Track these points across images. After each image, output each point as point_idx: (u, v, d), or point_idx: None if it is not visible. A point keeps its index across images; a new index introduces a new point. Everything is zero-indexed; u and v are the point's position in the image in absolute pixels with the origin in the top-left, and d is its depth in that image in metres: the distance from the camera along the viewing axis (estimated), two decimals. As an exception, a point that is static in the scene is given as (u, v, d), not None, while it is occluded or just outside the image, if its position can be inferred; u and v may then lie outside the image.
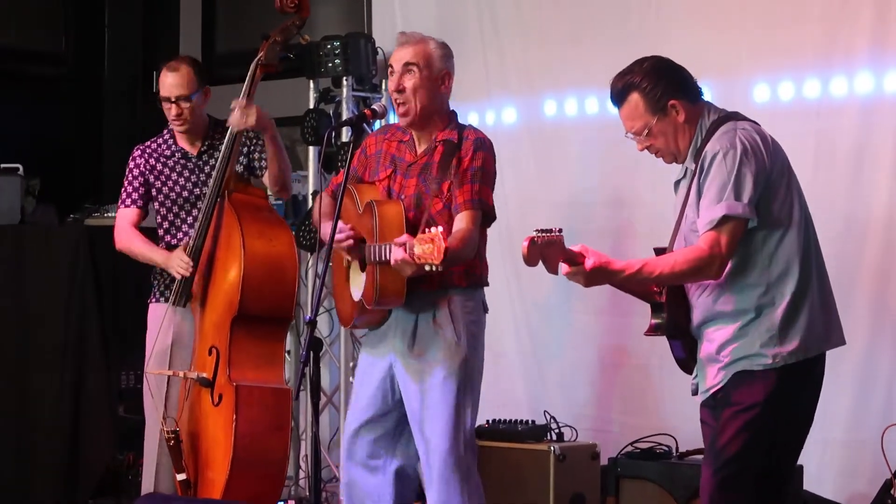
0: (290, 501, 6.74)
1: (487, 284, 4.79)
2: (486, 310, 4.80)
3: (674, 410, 5.90)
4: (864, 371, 5.59)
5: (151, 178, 5.52)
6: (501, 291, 6.48)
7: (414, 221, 4.52)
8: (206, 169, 5.48)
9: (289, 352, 6.63)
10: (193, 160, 5.51)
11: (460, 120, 4.78)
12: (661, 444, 5.73)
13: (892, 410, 5.50)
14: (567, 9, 6.57)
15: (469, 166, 4.63)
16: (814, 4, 5.81)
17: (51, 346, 6.83)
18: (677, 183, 4.11)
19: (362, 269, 4.65)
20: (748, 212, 3.85)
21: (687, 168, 4.04)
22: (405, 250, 4.29)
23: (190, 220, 5.47)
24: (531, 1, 6.72)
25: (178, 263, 5.28)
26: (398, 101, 4.68)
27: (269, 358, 5.13)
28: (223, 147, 5.27)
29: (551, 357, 6.56)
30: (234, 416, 4.98)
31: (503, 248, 6.38)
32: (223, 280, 5.15)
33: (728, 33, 6.01)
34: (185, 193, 5.49)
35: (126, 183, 5.55)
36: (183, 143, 5.53)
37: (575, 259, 3.82)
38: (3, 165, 7.09)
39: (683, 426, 5.52)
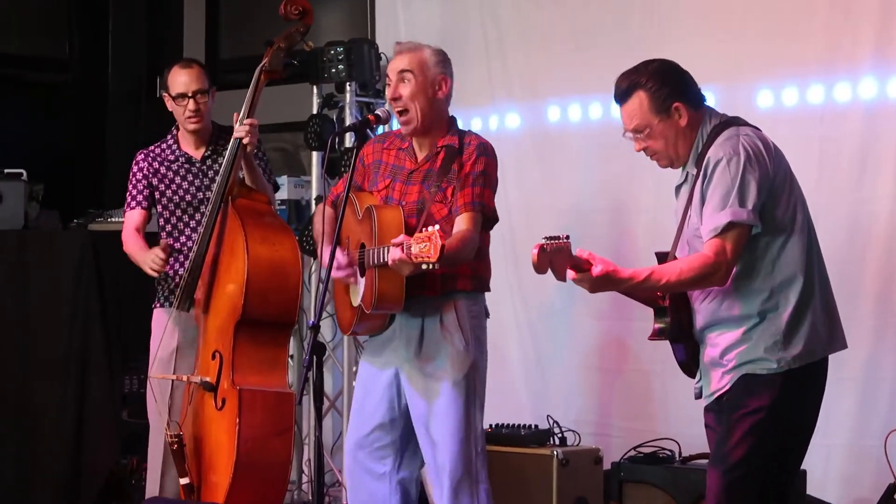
0: (292, 506, 6.77)
1: (490, 290, 4.80)
2: (487, 315, 4.81)
3: (677, 415, 5.90)
4: (868, 376, 5.58)
5: (155, 182, 5.53)
6: (504, 296, 6.49)
7: (415, 227, 4.50)
8: (210, 174, 5.49)
9: (292, 356, 6.62)
10: (197, 165, 5.52)
11: (464, 125, 4.79)
12: (664, 449, 5.73)
13: (896, 415, 5.51)
14: (570, 15, 6.57)
15: (471, 170, 4.63)
16: (818, 10, 5.81)
17: (54, 350, 6.82)
18: (678, 188, 4.11)
19: (362, 273, 4.66)
20: (752, 218, 3.86)
21: (688, 173, 4.04)
22: (402, 250, 4.28)
23: (193, 223, 5.47)
24: (534, 7, 6.72)
25: (150, 259, 5.27)
26: (398, 110, 4.68)
27: (272, 362, 5.13)
28: (227, 153, 5.27)
29: (554, 361, 6.56)
30: (238, 420, 4.97)
31: (506, 252, 6.39)
32: (227, 285, 5.15)
33: (731, 39, 6.01)
34: (188, 197, 5.50)
35: (130, 186, 5.56)
36: (187, 147, 5.54)
37: (582, 266, 3.82)
38: (6, 171, 7.08)
39: (686, 430, 5.52)
